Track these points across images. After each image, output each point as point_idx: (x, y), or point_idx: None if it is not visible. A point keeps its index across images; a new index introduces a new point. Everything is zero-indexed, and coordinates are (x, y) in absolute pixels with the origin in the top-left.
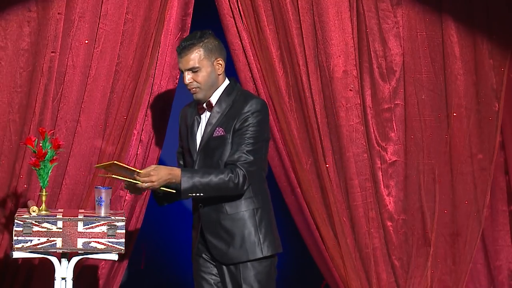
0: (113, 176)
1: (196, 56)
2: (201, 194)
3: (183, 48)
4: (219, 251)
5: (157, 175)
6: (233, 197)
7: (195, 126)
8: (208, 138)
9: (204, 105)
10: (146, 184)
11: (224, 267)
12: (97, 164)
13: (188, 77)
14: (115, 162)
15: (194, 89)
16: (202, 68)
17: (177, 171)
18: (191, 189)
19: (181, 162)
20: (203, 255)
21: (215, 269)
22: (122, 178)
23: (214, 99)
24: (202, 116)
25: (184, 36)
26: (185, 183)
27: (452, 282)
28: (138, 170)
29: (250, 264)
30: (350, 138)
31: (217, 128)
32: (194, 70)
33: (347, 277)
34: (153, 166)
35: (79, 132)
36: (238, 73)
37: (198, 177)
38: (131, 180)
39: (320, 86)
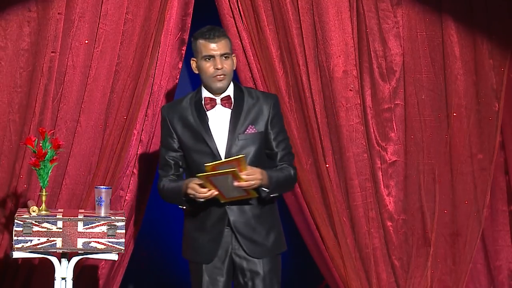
0: (213, 178)
1: (228, 42)
2: (276, 194)
3: (218, 34)
4: (253, 247)
5: (261, 173)
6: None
7: (205, 124)
8: (238, 135)
9: (219, 99)
10: (252, 182)
11: (256, 261)
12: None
13: (221, 62)
14: (213, 166)
15: (222, 76)
16: (230, 57)
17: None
18: (272, 190)
19: (180, 165)
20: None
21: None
22: (223, 173)
23: (230, 92)
24: (210, 113)
25: (184, 36)
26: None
27: (452, 282)
28: (235, 170)
29: (277, 258)
30: (350, 138)
31: (250, 126)
32: (226, 56)
33: (347, 277)
34: (248, 167)
35: (79, 132)
36: (238, 73)
37: (275, 177)
38: (238, 182)
39: (320, 86)
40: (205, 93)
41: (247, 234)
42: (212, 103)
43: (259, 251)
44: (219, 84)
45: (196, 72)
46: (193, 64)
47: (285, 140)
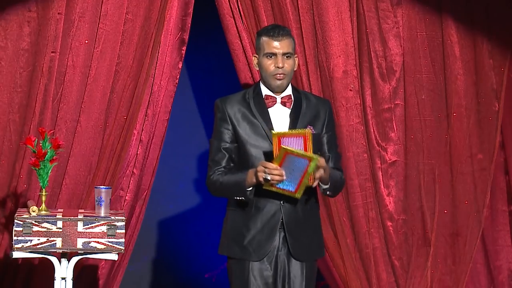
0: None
1: (292, 42)
2: (331, 192)
3: (282, 33)
4: (300, 249)
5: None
6: (313, 194)
7: (267, 120)
8: None
9: (279, 98)
10: (321, 170)
11: (299, 263)
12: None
13: (282, 61)
14: (280, 135)
15: (282, 75)
16: (292, 57)
17: None
18: (330, 188)
19: (233, 158)
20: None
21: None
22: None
23: (289, 92)
24: (271, 110)
25: (184, 36)
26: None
27: (452, 282)
28: (315, 158)
29: (316, 263)
30: (350, 138)
31: (308, 126)
32: (287, 56)
33: (347, 277)
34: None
35: (79, 132)
36: (238, 73)
37: (334, 176)
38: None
39: (320, 86)
40: (265, 91)
41: (296, 235)
42: (273, 101)
43: (304, 253)
44: (278, 83)
45: (257, 68)
46: (254, 61)
47: (337, 145)
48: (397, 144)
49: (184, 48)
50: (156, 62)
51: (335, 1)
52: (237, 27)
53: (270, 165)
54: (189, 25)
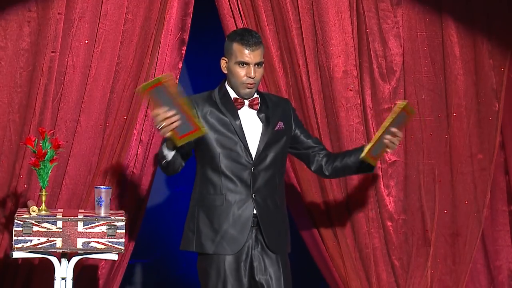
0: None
1: (263, 50)
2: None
3: (255, 41)
4: (274, 240)
5: None
6: (281, 189)
7: (237, 120)
8: (271, 132)
9: (247, 102)
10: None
11: (274, 258)
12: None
13: (254, 70)
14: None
15: (252, 84)
16: (262, 65)
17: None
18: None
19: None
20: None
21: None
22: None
23: (255, 95)
24: (241, 111)
25: (184, 36)
26: None
27: (452, 282)
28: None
29: (287, 256)
30: (350, 138)
31: (279, 122)
32: (259, 65)
33: (347, 277)
34: None
35: (79, 132)
36: None
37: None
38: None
39: (320, 86)
40: (233, 94)
41: (269, 226)
42: (241, 103)
43: (278, 245)
44: (248, 91)
45: (225, 72)
46: (223, 63)
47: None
48: None
49: (184, 48)
50: (156, 62)
51: (335, 1)
52: (237, 27)
53: (153, 113)
54: (189, 25)
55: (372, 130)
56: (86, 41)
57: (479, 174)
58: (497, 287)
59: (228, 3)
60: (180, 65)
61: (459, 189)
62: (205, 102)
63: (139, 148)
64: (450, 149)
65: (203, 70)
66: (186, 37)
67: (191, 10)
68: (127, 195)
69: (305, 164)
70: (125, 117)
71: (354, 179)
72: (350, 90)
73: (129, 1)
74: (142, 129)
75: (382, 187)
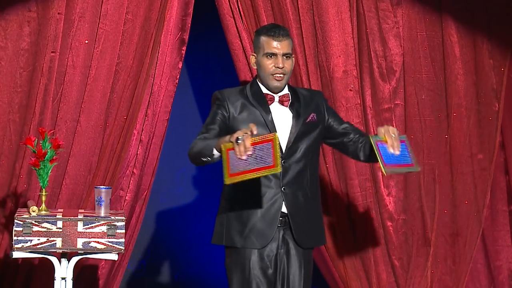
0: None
1: (291, 43)
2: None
3: (282, 33)
4: (304, 234)
5: None
6: (313, 182)
7: (269, 114)
8: (302, 123)
9: (277, 97)
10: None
11: (301, 251)
12: None
13: (282, 61)
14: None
15: (281, 75)
16: (291, 57)
17: None
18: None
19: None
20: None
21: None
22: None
23: (286, 91)
24: (272, 106)
25: (184, 36)
26: None
27: (452, 282)
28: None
29: (312, 254)
30: None
31: (312, 114)
32: (287, 56)
33: (347, 277)
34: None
35: (79, 132)
36: (238, 73)
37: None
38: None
39: (320, 86)
40: (264, 90)
41: (299, 220)
42: (271, 99)
43: (307, 240)
44: (277, 83)
45: (255, 67)
46: (252, 59)
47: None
48: None
49: (184, 48)
50: (156, 62)
51: (335, 1)
52: (237, 27)
53: (246, 134)
54: (189, 25)
55: (372, 130)
56: (86, 41)
57: (479, 174)
58: (497, 287)
59: (228, 3)
60: (180, 65)
61: (459, 189)
62: (238, 95)
63: (139, 148)
64: (450, 149)
65: (203, 70)
66: (186, 37)
67: (191, 10)
68: (127, 195)
69: (343, 154)
70: (125, 117)
71: (354, 179)
72: (350, 90)
73: (129, 1)
74: (142, 129)
75: (382, 187)
